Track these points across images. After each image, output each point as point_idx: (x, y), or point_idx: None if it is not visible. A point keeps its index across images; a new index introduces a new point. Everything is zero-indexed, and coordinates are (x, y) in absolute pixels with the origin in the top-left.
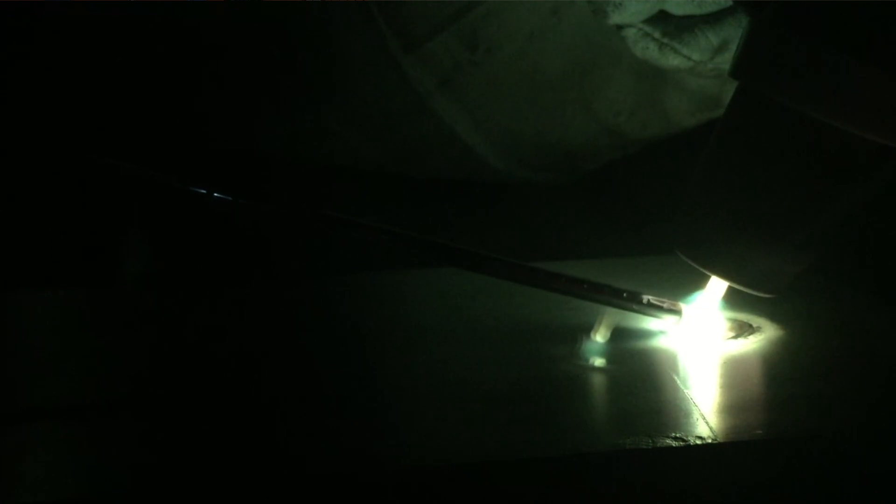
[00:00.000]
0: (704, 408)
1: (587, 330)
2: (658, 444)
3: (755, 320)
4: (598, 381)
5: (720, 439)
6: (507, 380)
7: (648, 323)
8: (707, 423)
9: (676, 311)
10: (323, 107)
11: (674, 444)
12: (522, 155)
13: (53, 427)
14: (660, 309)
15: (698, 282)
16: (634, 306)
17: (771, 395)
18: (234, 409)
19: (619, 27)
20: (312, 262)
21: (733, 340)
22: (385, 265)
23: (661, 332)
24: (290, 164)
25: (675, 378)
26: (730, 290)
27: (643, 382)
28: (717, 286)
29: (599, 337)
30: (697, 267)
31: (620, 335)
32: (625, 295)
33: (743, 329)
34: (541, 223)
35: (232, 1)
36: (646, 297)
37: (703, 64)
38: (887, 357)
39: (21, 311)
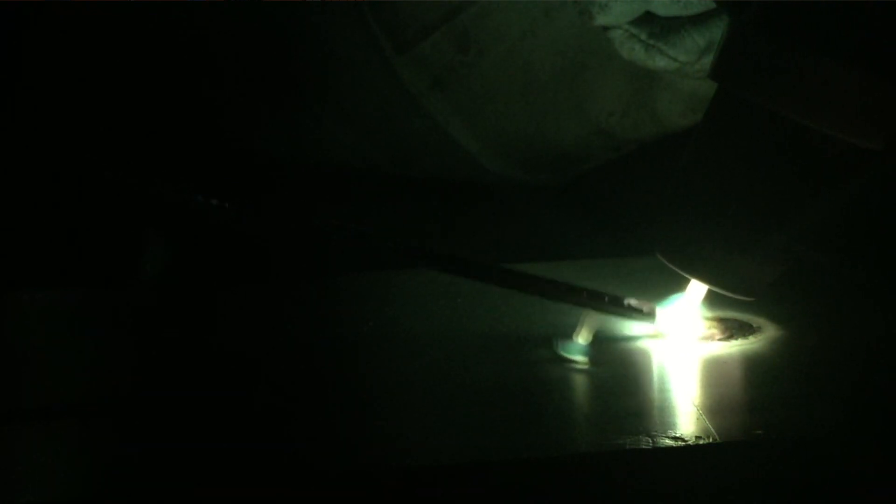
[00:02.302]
0: (704, 408)
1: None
2: (658, 444)
3: (755, 320)
4: (597, 381)
5: (720, 439)
6: (504, 380)
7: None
8: (707, 423)
9: (652, 314)
10: (319, 107)
11: (674, 444)
12: (516, 155)
13: (53, 427)
14: (638, 312)
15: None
16: (614, 309)
17: (771, 395)
18: (230, 409)
19: (605, 28)
20: (301, 263)
21: (734, 340)
22: (370, 266)
23: (660, 333)
24: (286, 164)
25: (675, 378)
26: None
27: (643, 382)
28: (696, 289)
29: (581, 339)
30: (675, 270)
31: (619, 335)
32: (606, 299)
33: (743, 329)
34: (535, 224)
35: (228, 2)
36: (627, 300)
37: (690, 65)
38: (887, 358)
39: (21, 311)
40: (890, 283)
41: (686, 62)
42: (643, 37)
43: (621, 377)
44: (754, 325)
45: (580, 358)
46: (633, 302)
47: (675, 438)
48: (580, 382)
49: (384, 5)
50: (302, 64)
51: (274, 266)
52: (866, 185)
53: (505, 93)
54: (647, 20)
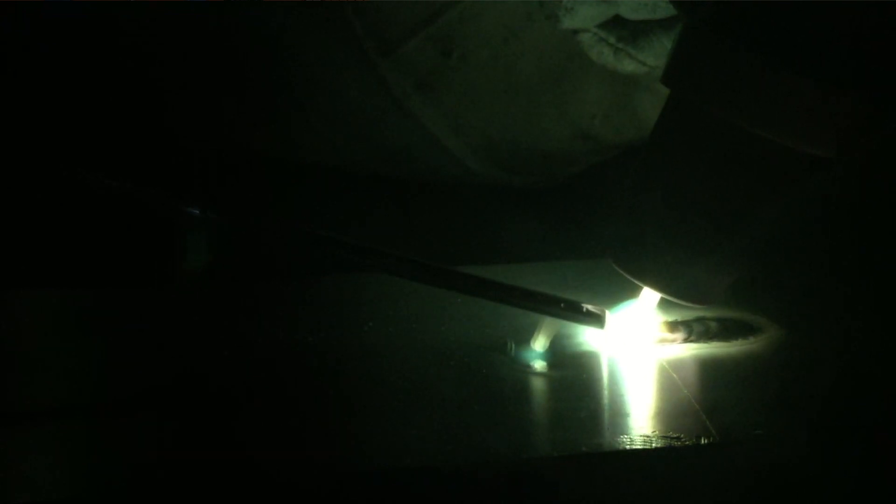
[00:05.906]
0: (704, 408)
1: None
2: (658, 444)
3: (756, 321)
4: (597, 381)
5: (720, 439)
6: (501, 380)
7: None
8: (707, 423)
9: (601, 319)
10: (304, 107)
11: (674, 444)
12: (500, 158)
13: (53, 427)
14: (594, 317)
15: None
16: (569, 315)
17: (771, 395)
18: (222, 411)
19: (575, 32)
20: (261, 265)
21: (735, 341)
22: (329, 268)
23: (659, 334)
24: (270, 162)
25: (676, 378)
26: (731, 293)
27: (643, 383)
28: (649, 296)
29: (538, 346)
30: (628, 277)
31: (591, 341)
32: (562, 304)
33: (744, 330)
34: (515, 226)
35: (213, 3)
36: (585, 306)
37: (659, 69)
38: (884, 358)
39: (21, 311)
40: (890, 286)
41: (655, 66)
42: (612, 40)
43: (620, 378)
44: (754, 326)
45: (537, 364)
46: (589, 307)
47: (675, 438)
48: (580, 384)
49: (367, 6)
50: (287, 64)
51: (233, 269)
52: (818, 191)
53: (488, 96)
54: (617, 24)
